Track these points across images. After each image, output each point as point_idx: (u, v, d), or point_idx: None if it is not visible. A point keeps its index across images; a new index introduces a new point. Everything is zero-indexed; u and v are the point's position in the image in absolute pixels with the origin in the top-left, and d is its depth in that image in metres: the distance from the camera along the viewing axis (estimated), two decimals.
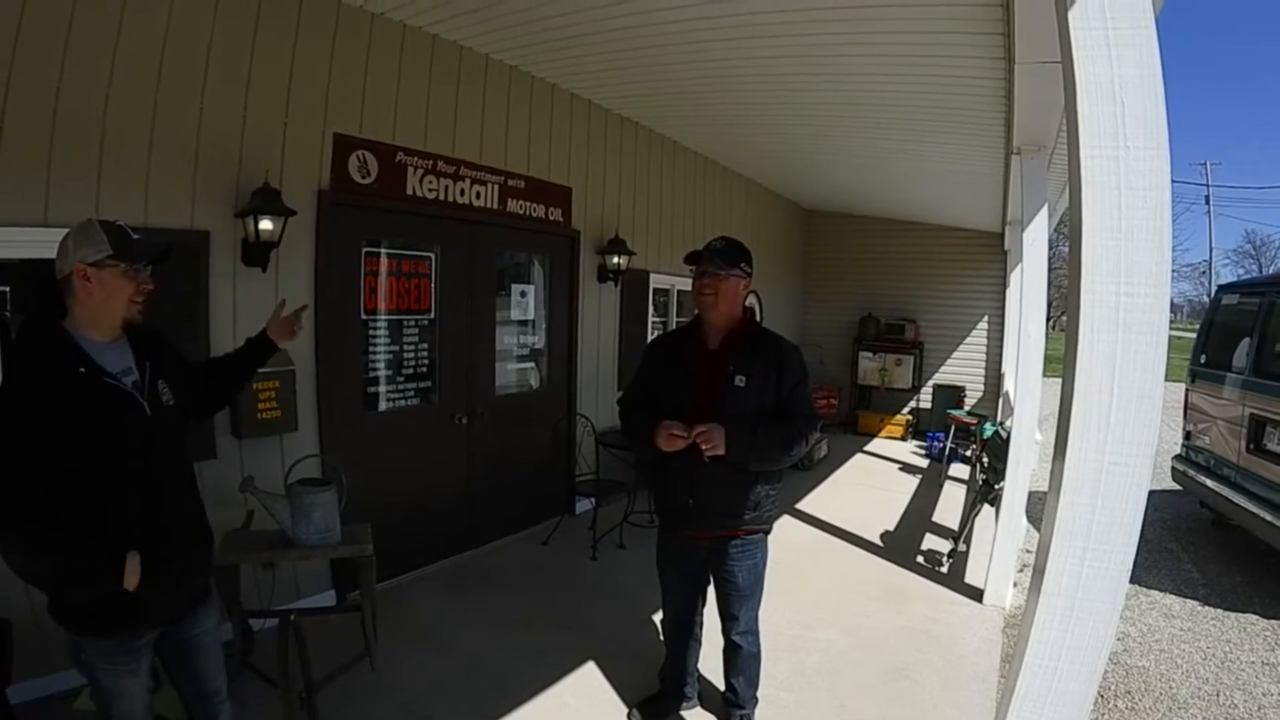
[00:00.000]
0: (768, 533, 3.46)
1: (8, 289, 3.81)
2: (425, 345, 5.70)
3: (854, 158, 8.46)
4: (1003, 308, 11.22)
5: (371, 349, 5.33)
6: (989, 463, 6.56)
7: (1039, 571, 1.86)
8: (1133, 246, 1.65)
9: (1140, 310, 1.66)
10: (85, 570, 2.21)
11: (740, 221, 10.27)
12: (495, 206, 6.06)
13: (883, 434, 12.08)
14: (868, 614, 5.06)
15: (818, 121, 7.01)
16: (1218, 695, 4.36)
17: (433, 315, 5.71)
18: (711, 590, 3.62)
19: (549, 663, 4.33)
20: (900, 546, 6.48)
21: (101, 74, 3.82)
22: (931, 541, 6.63)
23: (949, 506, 7.89)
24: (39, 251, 3.61)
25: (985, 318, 12.11)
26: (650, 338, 8.04)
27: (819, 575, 5.74)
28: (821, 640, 4.65)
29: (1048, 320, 9.57)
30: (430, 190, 5.52)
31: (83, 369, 2.24)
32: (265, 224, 4.34)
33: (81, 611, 2.33)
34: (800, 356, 3.34)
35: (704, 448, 3.04)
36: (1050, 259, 6.23)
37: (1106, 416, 1.70)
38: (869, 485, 8.88)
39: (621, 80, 6.38)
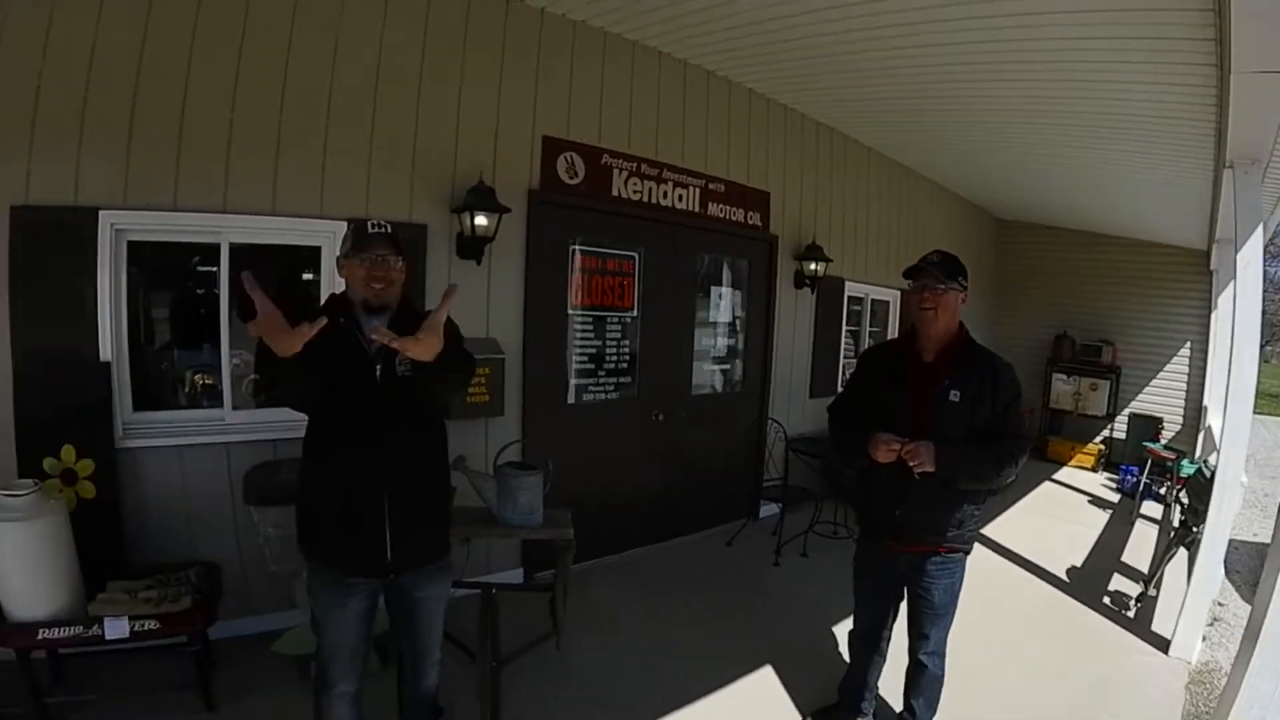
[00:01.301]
0: (968, 553, 3.42)
1: (215, 269, 4.40)
2: (626, 342, 5.91)
3: (1048, 164, 8.06)
4: (1207, 334, 10.37)
5: (575, 343, 5.59)
6: (1189, 503, 6.22)
7: (1253, 627, 1.84)
8: None
9: None
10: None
11: (932, 229, 10.01)
12: (696, 209, 6.20)
13: (1072, 462, 11.40)
14: (1048, 651, 4.89)
15: (1009, 126, 6.82)
16: None
17: (635, 313, 5.92)
18: (903, 607, 3.59)
19: (726, 662, 4.40)
20: (1086, 584, 6.19)
21: (322, 87, 4.37)
22: (1119, 582, 6.28)
23: (1139, 546, 7.42)
24: (266, 238, 4.38)
25: (1188, 344, 11.21)
26: (843, 347, 8.10)
27: (999, 604, 5.56)
28: (999, 673, 4.53)
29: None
30: (634, 192, 5.72)
31: (342, 319, 2.64)
32: (480, 220, 4.66)
33: (301, 531, 2.79)
34: (1013, 374, 3.26)
35: (911, 464, 3.05)
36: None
37: None
38: (1056, 516, 8.48)
39: (814, 86, 6.41)
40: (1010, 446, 3.13)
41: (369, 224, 2.69)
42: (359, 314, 2.70)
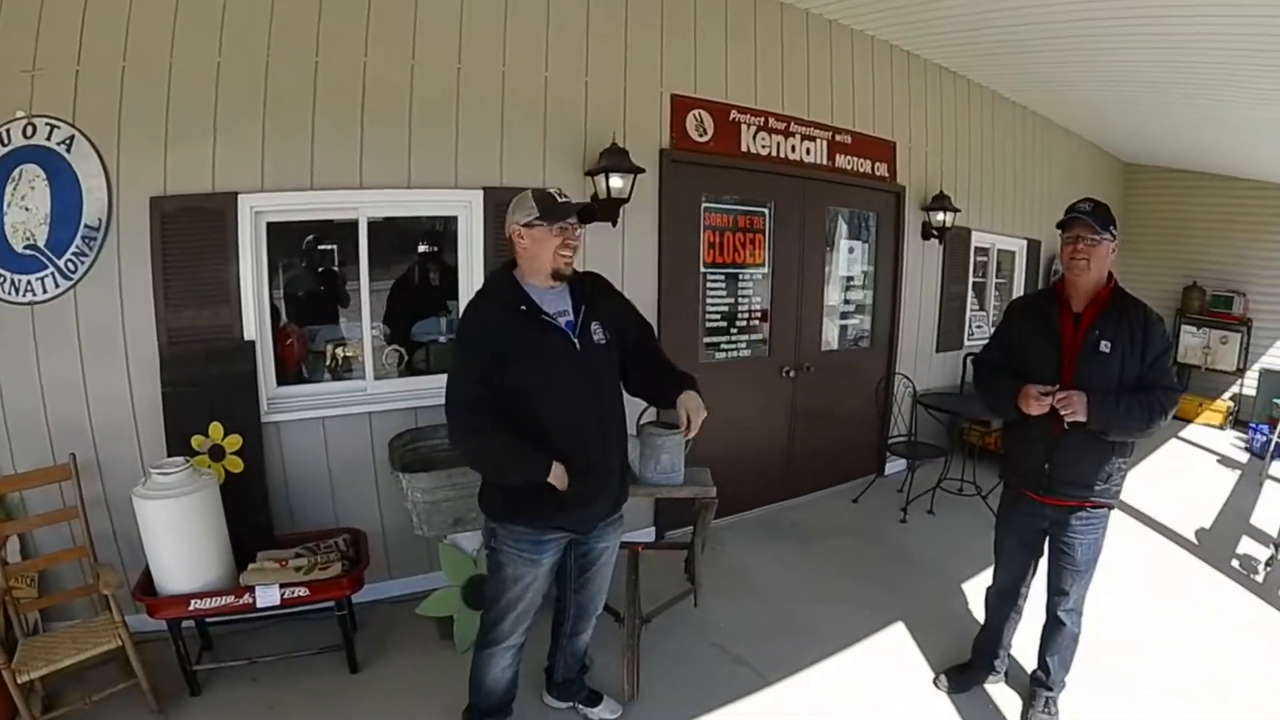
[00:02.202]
0: (1112, 508, 3.37)
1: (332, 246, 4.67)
2: (759, 298, 5.92)
3: (1188, 102, 7.37)
4: None
5: (708, 301, 5.62)
6: None
7: None
8: None
9: None
10: (511, 460, 2.70)
11: (1056, 175, 9.49)
12: (825, 162, 6.11)
13: (1199, 420, 10.79)
14: (1175, 615, 4.73)
15: (1150, 63, 6.28)
16: None
17: (766, 269, 5.91)
18: (1043, 564, 3.56)
19: (857, 619, 4.45)
20: (1213, 546, 5.96)
21: (450, 55, 4.44)
22: (1247, 545, 6.01)
23: (1269, 509, 7.03)
24: (403, 210, 4.70)
25: None
26: (970, 299, 7.96)
27: (1126, 563, 5.34)
28: (1127, 636, 4.40)
29: None
30: (763, 147, 5.67)
31: (524, 307, 2.72)
32: (615, 181, 4.69)
33: (501, 499, 2.85)
34: (1164, 326, 3.21)
35: (1063, 413, 3.02)
36: None
37: None
38: (1183, 475, 8.18)
39: (940, 29, 6.16)
40: (1161, 398, 3.07)
41: (554, 192, 2.76)
42: (534, 287, 2.78)
